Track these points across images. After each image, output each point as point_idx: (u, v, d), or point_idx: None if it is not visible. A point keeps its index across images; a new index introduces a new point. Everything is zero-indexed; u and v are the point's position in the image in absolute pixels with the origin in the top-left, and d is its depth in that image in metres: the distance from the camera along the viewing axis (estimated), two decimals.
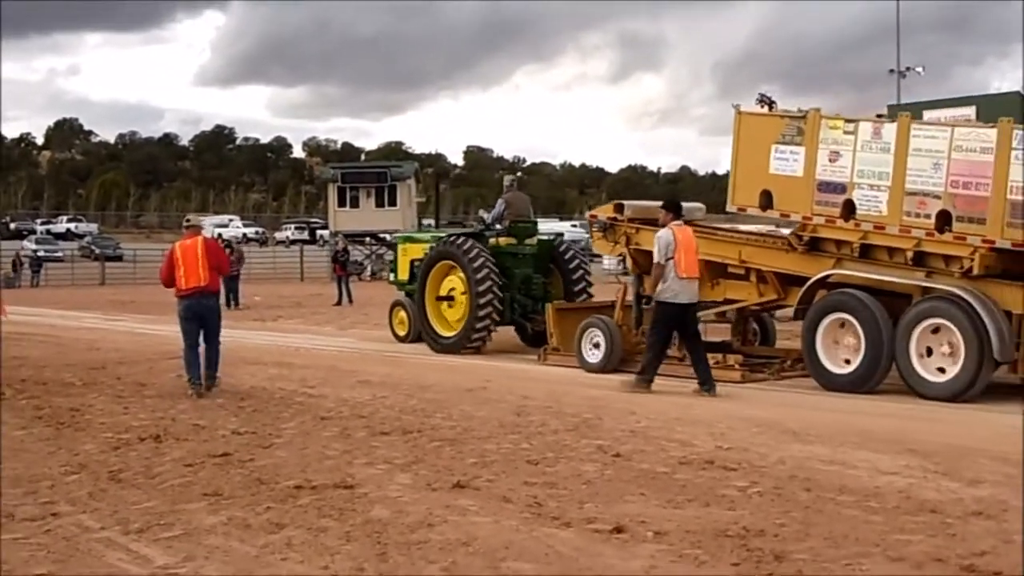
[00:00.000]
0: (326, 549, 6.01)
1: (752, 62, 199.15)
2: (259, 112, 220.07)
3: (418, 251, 18.43)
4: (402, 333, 18.65)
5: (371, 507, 6.92)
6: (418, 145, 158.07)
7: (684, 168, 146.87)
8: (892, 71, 51.00)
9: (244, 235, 78.01)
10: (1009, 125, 11.72)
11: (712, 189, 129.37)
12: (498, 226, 17.36)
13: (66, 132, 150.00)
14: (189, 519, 6.70)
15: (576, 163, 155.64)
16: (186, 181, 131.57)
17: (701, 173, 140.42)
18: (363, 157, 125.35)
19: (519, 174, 20.29)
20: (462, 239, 17.02)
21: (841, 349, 12.70)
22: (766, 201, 13.81)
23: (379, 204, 32.81)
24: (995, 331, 11.53)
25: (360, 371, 14.36)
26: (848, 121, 13.16)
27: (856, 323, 12.48)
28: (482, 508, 6.90)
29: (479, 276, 16.37)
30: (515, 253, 17.27)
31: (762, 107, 14.14)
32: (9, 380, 13.33)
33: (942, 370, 11.93)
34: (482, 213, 18.19)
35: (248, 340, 19.62)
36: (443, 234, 18.01)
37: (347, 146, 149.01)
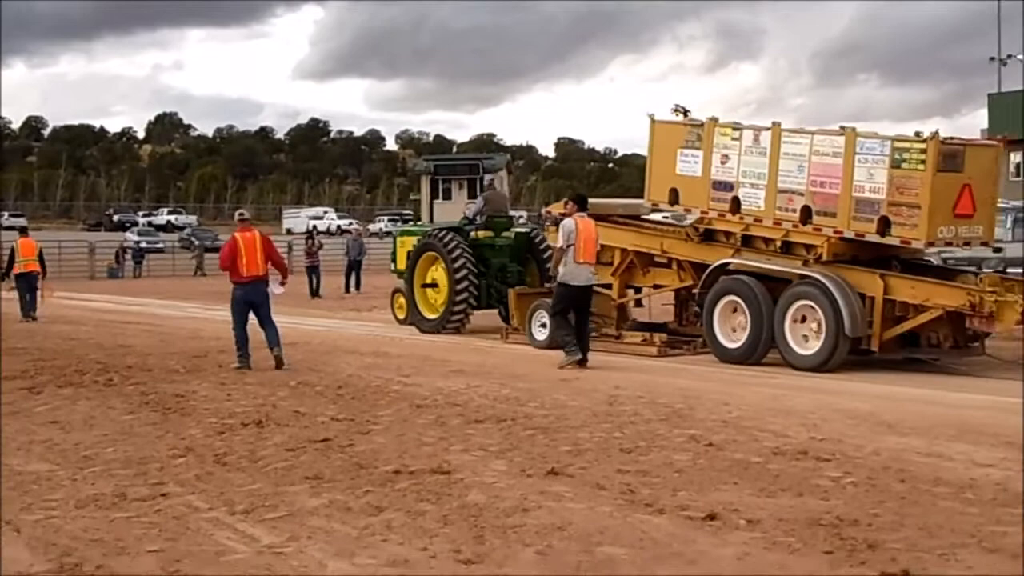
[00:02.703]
0: (425, 531, 6.18)
1: (851, 51, 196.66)
2: (356, 105, 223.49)
3: (412, 243, 19.92)
4: (401, 316, 20.02)
5: (467, 492, 7.08)
6: (510, 137, 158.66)
7: None
8: (993, 59, 49.76)
9: (338, 227, 79.05)
10: (853, 134, 13.76)
11: None
12: (478, 220, 18.99)
13: (166, 126, 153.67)
14: (292, 501, 6.92)
15: None
16: (282, 174, 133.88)
17: None
18: (455, 149, 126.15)
19: (499, 175, 21.61)
20: (443, 232, 18.65)
21: (733, 327, 14.62)
22: (674, 198, 15.85)
23: (471, 195, 32.93)
24: (847, 311, 13.34)
25: (453, 360, 14.55)
26: (735, 129, 15.10)
27: (744, 304, 14.38)
28: (576, 494, 7.01)
29: (456, 265, 18.20)
30: (492, 245, 19.05)
31: (677, 115, 15.92)
32: (116, 367, 13.80)
33: (810, 344, 13.75)
34: (464, 209, 19.65)
35: (346, 330, 20.00)
36: (429, 228, 19.58)
37: (439, 138, 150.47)
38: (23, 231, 27.29)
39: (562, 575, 5.45)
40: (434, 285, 18.92)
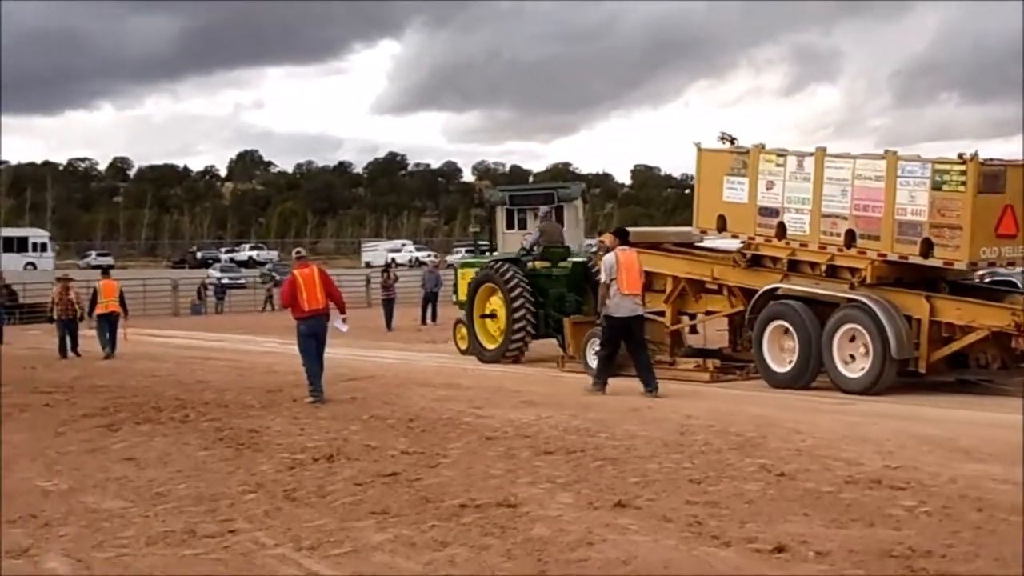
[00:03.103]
0: (488, 567, 6.16)
1: (931, 70, 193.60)
2: (433, 138, 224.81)
3: (472, 275, 20.43)
4: (463, 346, 20.30)
5: (532, 525, 7.05)
6: (585, 165, 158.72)
7: None
8: None
9: (416, 259, 79.58)
10: (895, 157, 13.95)
11: None
12: (535, 251, 19.32)
13: (247, 164, 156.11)
14: (357, 536, 6.95)
15: None
16: (360, 207, 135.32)
17: None
18: (531, 179, 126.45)
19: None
20: (501, 264, 19.20)
21: (782, 351, 14.82)
22: (721, 224, 16.09)
23: None
24: (893, 333, 13.47)
25: (525, 391, 14.54)
26: (779, 155, 15.31)
27: (792, 328, 14.59)
28: (642, 527, 6.94)
29: (513, 295, 18.60)
30: (549, 275, 19.32)
31: (723, 143, 16.11)
32: (193, 403, 13.99)
33: (859, 366, 13.88)
34: (522, 241, 19.95)
35: (420, 362, 20.08)
36: (487, 260, 20.12)
37: (515, 168, 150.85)
38: (105, 272, 27.90)
39: None
40: (493, 316, 19.29)
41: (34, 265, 72.86)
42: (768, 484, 8.18)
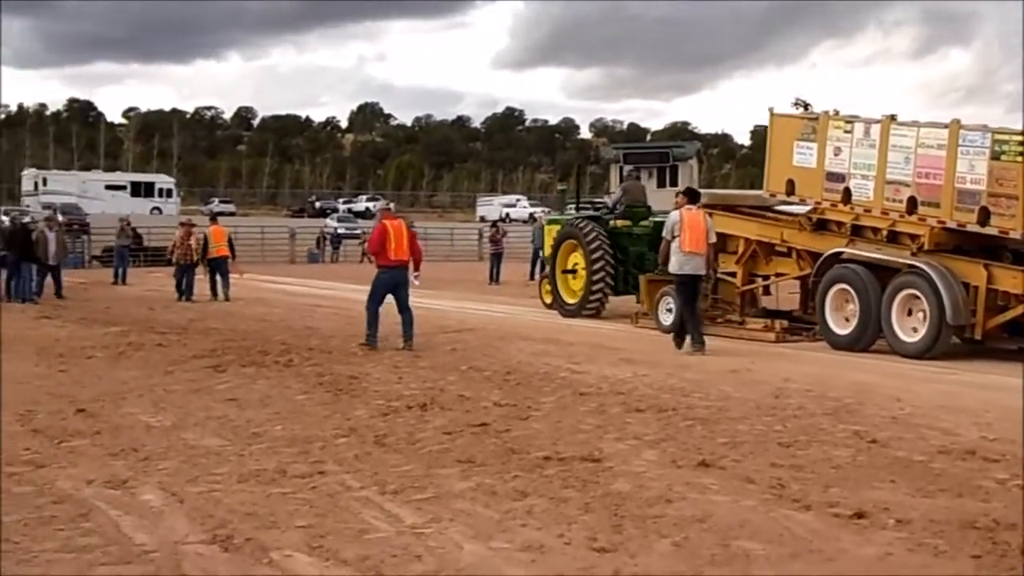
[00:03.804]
0: (564, 518, 6.22)
1: None
2: (553, 94, 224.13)
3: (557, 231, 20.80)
4: (548, 301, 20.74)
5: (614, 480, 7.09)
6: (705, 125, 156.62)
7: None
8: None
9: (531, 215, 79.64)
10: (957, 126, 14.07)
11: None
12: (618, 209, 19.76)
13: (367, 116, 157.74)
14: (441, 483, 7.07)
15: None
16: (477, 162, 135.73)
17: None
18: (649, 137, 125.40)
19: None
20: (583, 222, 19.59)
21: (844, 314, 15.10)
22: (790, 188, 16.43)
23: (660, 184, 32.81)
24: (950, 300, 13.69)
25: (624, 348, 14.54)
26: (847, 121, 15.61)
27: (853, 292, 14.86)
28: (723, 487, 6.93)
29: (593, 253, 18.97)
30: (630, 233, 19.56)
31: (797, 109, 16.94)
32: (298, 348, 14.32)
33: (916, 331, 14.13)
34: (605, 199, 20.51)
35: (524, 316, 20.17)
36: (571, 217, 20.63)
37: (633, 126, 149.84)
38: (213, 219, 28.91)
39: (693, 567, 5.40)
40: (574, 271, 19.74)
41: (160, 210, 74.95)
42: (859, 451, 8.07)
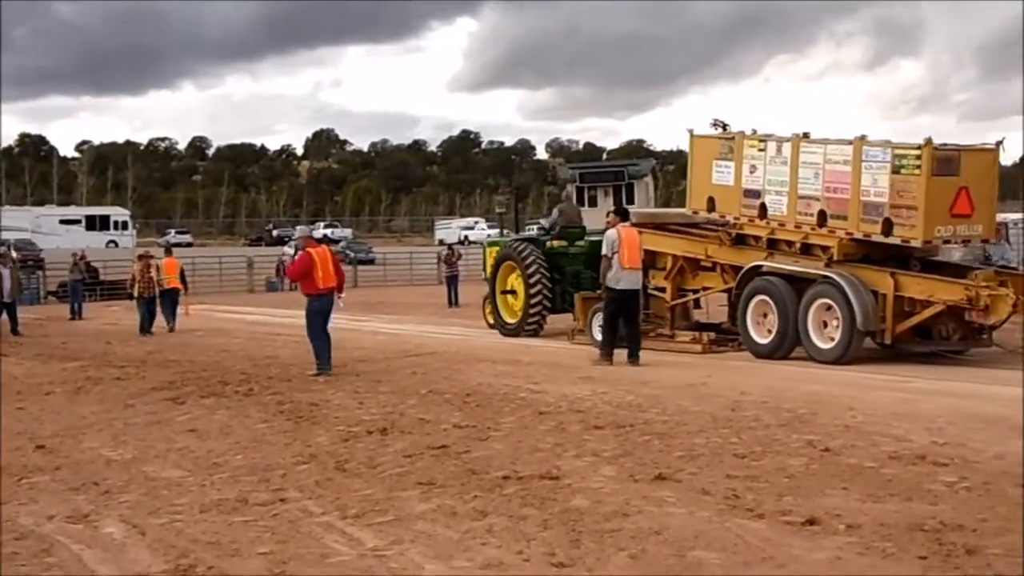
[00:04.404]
0: (524, 535, 6.32)
1: (1019, 43, 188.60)
2: (510, 115, 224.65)
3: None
4: (491, 321, 21.36)
5: (572, 497, 7.20)
6: (659, 142, 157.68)
7: None
8: None
9: (488, 236, 79.82)
10: (860, 142, 14.94)
11: None
12: (554, 231, 20.45)
13: (323, 142, 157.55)
14: (402, 506, 7.15)
15: None
16: (434, 185, 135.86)
17: None
18: (605, 156, 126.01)
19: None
20: (520, 244, 20.34)
21: (764, 324, 15.87)
22: (711, 205, 17.16)
23: (617, 202, 32.99)
24: (860, 307, 14.47)
25: (583, 367, 14.67)
26: (761, 140, 16.40)
27: (772, 303, 15.63)
28: (680, 499, 7.06)
29: (530, 273, 19.61)
30: (566, 253, 20.26)
31: (716, 129, 17.37)
32: (258, 377, 14.34)
33: (832, 339, 14.87)
34: (542, 221, 21.18)
35: (483, 339, 20.26)
36: (508, 240, 21.34)
37: (589, 146, 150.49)
38: (168, 251, 29.04)
39: None
40: (513, 292, 20.44)
41: (116, 243, 74.57)
42: (812, 459, 8.23)
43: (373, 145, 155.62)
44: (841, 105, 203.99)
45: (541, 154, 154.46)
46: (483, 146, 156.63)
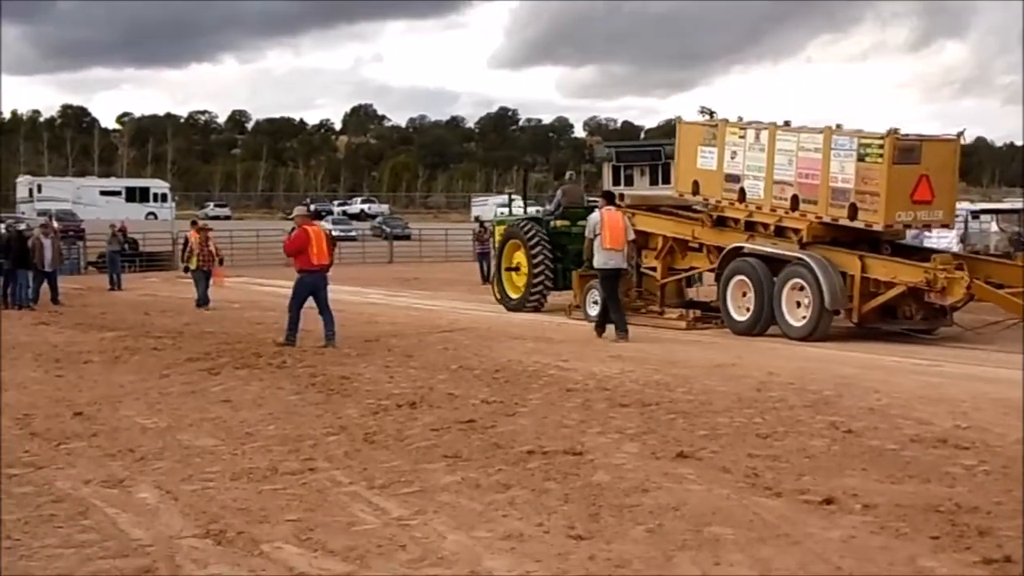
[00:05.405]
0: (544, 508, 6.47)
1: None
2: (549, 93, 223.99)
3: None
4: (498, 296, 22.16)
5: (594, 472, 7.34)
6: None
7: (980, 139, 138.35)
8: None
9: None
10: (830, 131, 15.93)
11: (1011, 160, 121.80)
12: (557, 211, 21.39)
13: (361, 118, 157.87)
14: (427, 478, 7.31)
15: None
16: (471, 162, 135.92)
17: (998, 144, 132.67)
18: (642, 135, 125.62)
19: (571, 174, 28.33)
20: (525, 223, 21.36)
21: (742, 302, 16.70)
22: (695, 189, 18.10)
23: (653, 182, 33.06)
24: (828, 287, 15.35)
25: (613, 346, 14.79)
26: (741, 128, 17.37)
27: (750, 283, 16.49)
28: (699, 477, 7.18)
29: (534, 251, 20.71)
30: (568, 233, 20.91)
31: (703, 116, 18.59)
32: (292, 350, 14.54)
33: (804, 317, 15.71)
34: (546, 202, 21.79)
35: (511, 317, 20.41)
36: (514, 219, 22.59)
37: (627, 124, 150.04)
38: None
39: (665, 551, 5.65)
40: (517, 269, 21.41)
41: (155, 215, 75.20)
42: (834, 440, 8.32)
43: (411, 121, 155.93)
44: (882, 87, 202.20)
45: (579, 132, 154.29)
46: (520, 123, 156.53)
